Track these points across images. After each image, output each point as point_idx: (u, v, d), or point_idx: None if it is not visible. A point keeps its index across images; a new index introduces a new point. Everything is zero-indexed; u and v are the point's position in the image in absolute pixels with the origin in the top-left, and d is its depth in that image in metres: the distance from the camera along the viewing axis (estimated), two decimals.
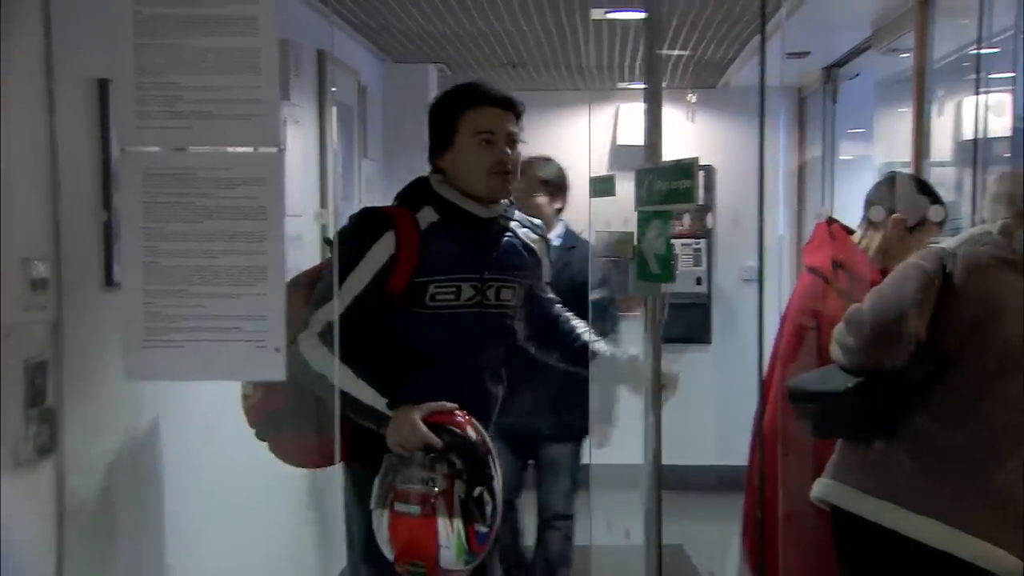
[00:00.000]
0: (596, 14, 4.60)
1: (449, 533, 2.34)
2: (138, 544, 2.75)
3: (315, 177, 4.37)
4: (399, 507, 2.35)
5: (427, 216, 2.55)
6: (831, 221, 3.38)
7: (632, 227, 2.34)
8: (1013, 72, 3.48)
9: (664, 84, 7.57)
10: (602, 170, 6.89)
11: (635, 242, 2.32)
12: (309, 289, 2.57)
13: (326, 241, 3.58)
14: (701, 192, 6.72)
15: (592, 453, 3.64)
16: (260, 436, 2.68)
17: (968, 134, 3.90)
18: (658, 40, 2.62)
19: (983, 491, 2.45)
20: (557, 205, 4.03)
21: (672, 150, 2.29)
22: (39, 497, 2.28)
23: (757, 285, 2.54)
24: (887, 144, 4.95)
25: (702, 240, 7.07)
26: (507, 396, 2.79)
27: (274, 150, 1.93)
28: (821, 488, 2.72)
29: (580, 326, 2.95)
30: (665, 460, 2.32)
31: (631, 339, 2.85)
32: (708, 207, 6.93)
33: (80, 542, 2.41)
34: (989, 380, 2.51)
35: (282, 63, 3.59)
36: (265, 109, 1.88)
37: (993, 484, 2.45)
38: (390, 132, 5.92)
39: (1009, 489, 2.44)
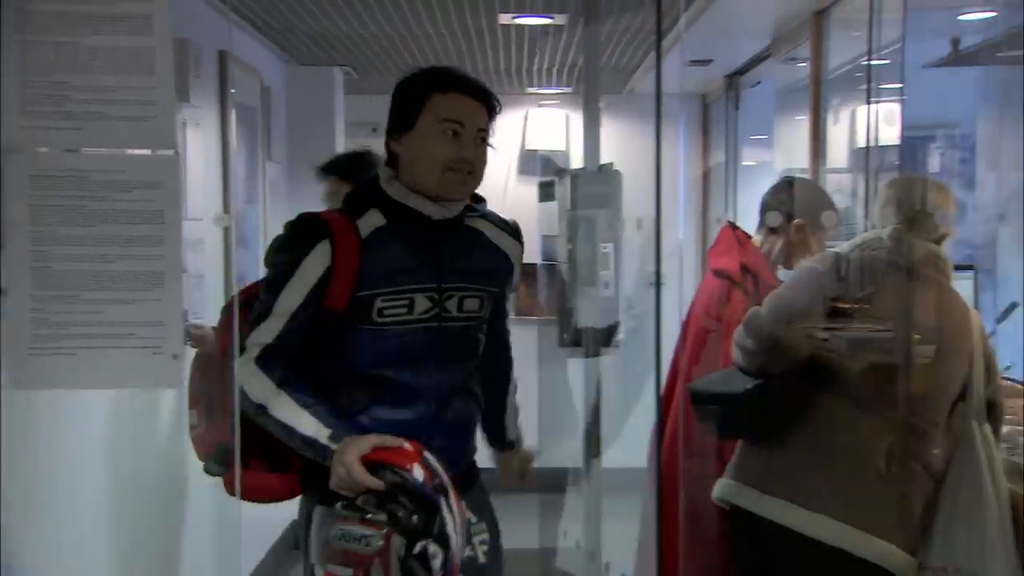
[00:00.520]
0: (503, 19, 4.60)
1: None
2: None
3: (218, 180, 4.29)
4: (331, 568, 2.01)
5: (372, 221, 2.23)
6: (735, 227, 3.44)
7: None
8: (901, 83, 3.59)
9: (570, 89, 7.60)
10: (511, 175, 6.94)
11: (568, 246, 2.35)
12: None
13: None
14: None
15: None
16: (209, 471, 2.36)
17: (862, 142, 4.01)
18: (593, 49, 2.64)
19: (877, 491, 2.51)
20: None
21: (580, 155, 2.32)
22: None
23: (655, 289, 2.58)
24: (787, 150, 5.05)
25: (610, 244, 7.14)
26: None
27: (171, 153, 1.90)
28: (722, 488, 2.76)
29: (511, 388, 2.62)
30: (570, 463, 2.34)
31: (524, 344, 2.85)
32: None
33: None
34: (882, 382, 2.58)
35: (181, 64, 3.54)
36: (160, 111, 1.84)
37: (885, 485, 2.52)
38: (295, 135, 5.86)
39: (900, 490, 2.51)
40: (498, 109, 2.30)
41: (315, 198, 3.61)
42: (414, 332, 2.21)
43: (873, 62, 3.68)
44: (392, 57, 5.70)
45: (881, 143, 3.80)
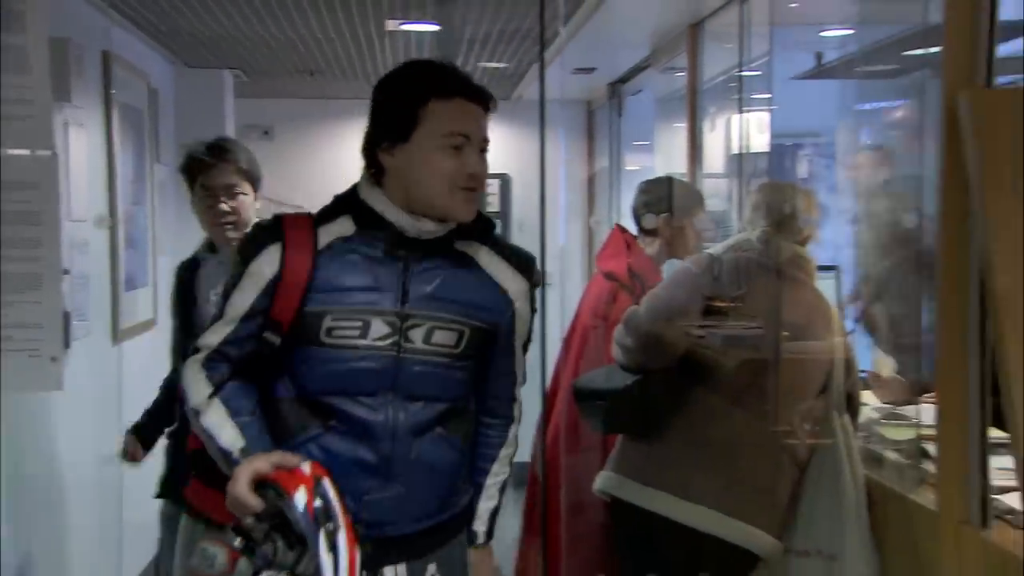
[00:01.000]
0: (390, 25, 4.59)
1: None
2: None
3: (103, 181, 4.19)
4: None
5: (338, 229, 1.92)
6: (624, 230, 3.50)
7: None
8: (770, 94, 3.71)
9: None
10: None
11: None
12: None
13: None
14: (497, 200, 6.83)
15: None
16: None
17: (736, 148, 4.12)
18: (451, 52, 2.65)
19: (748, 480, 2.58)
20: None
21: None
22: None
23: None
24: (666, 155, 5.15)
25: None
26: None
27: (48, 153, 1.85)
28: (603, 481, 2.80)
29: (495, 468, 2.11)
30: None
31: None
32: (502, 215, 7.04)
33: None
34: (751, 377, 2.65)
35: (61, 63, 3.40)
36: (36, 110, 1.80)
37: (755, 474, 2.59)
38: (184, 137, 5.71)
39: (768, 478, 2.59)
40: (495, 109, 1.97)
41: None
42: (367, 359, 1.88)
43: (744, 73, 3.80)
44: (282, 60, 5.64)
45: (753, 150, 3.91)
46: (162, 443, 2.96)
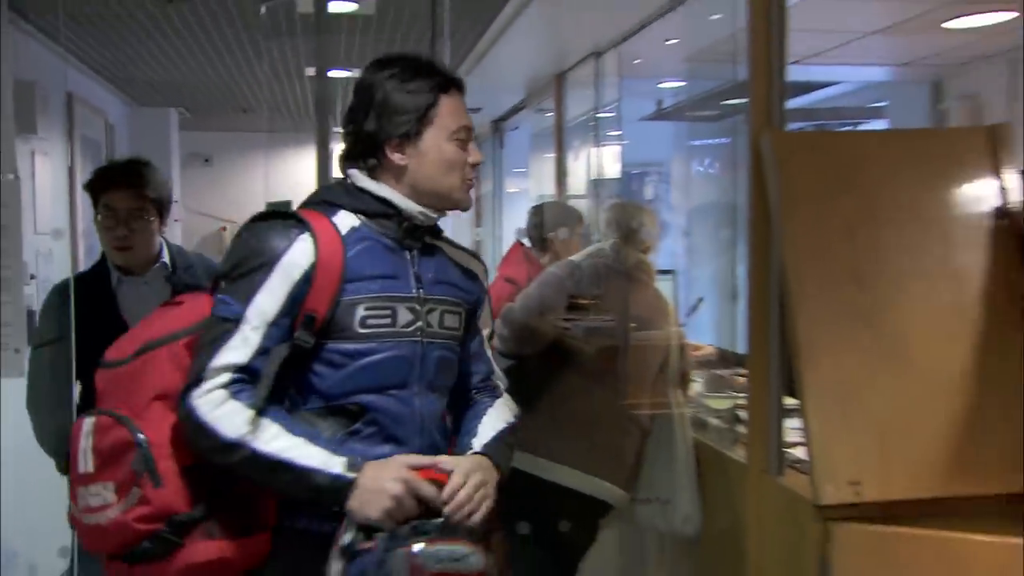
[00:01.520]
0: (309, 71, 4.53)
1: None
2: None
3: (65, 201, 4.04)
4: None
5: (346, 220, 1.56)
6: (523, 245, 3.51)
7: None
8: (620, 131, 3.78)
9: None
10: None
11: None
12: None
13: None
14: None
15: None
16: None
17: (594, 175, 4.19)
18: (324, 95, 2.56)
19: (603, 444, 2.59)
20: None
21: None
22: None
23: None
24: (539, 181, 5.20)
25: None
26: None
27: (11, 177, 1.77)
28: None
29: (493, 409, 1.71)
30: None
31: None
32: None
33: None
34: (606, 360, 2.68)
35: (30, 102, 3.39)
36: (1, 142, 1.72)
37: (609, 439, 2.61)
38: None
39: (619, 442, 2.62)
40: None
41: None
42: (398, 347, 1.53)
43: (600, 115, 3.87)
44: (220, 100, 5.56)
45: (607, 176, 3.98)
46: None
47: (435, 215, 1.61)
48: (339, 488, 1.39)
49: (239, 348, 1.43)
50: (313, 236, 1.49)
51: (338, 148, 1.63)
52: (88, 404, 1.58)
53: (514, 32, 3.90)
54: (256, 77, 4.76)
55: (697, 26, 3.11)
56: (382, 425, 1.51)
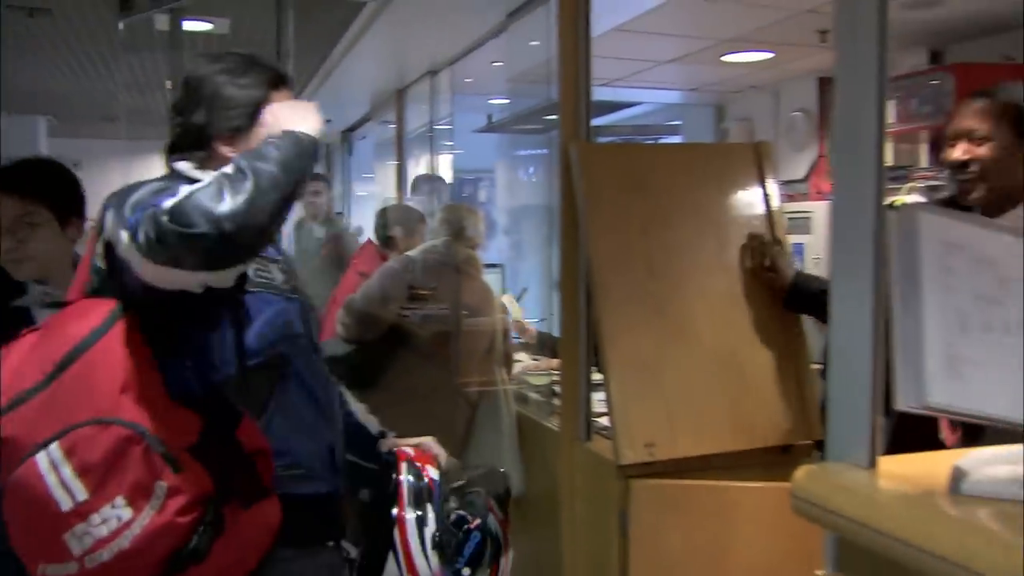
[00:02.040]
0: (169, 84, 4.23)
1: None
2: None
3: None
4: None
5: None
6: (374, 243, 3.39)
7: None
8: (453, 142, 3.76)
9: None
10: None
11: None
12: None
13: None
14: None
15: None
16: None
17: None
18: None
19: (435, 416, 2.56)
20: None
21: None
22: None
23: None
24: (383, 185, 5.10)
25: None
26: None
27: None
28: None
29: None
30: None
31: None
32: None
33: None
34: (440, 343, 2.65)
35: None
36: None
37: (442, 412, 2.59)
38: None
39: (451, 415, 2.59)
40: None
41: None
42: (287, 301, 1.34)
43: (436, 127, 3.84)
44: (86, 107, 5.25)
45: (437, 177, 3.94)
46: None
47: None
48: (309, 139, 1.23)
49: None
50: None
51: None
52: None
53: (359, 51, 3.84)
54: (119, 88, 4.45)
55: (519, 50, 3.13)
56: (303, 377, 1.33)
